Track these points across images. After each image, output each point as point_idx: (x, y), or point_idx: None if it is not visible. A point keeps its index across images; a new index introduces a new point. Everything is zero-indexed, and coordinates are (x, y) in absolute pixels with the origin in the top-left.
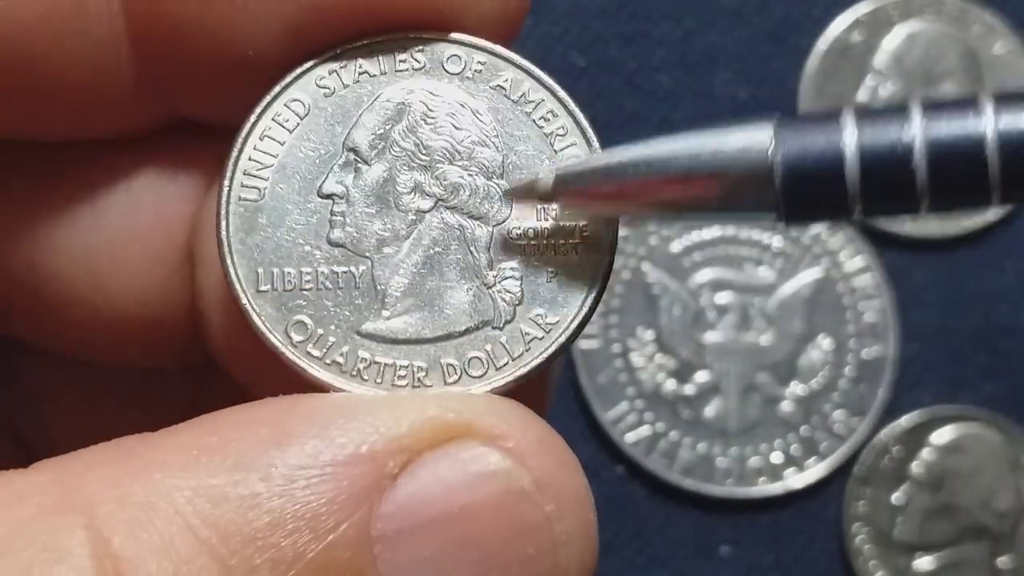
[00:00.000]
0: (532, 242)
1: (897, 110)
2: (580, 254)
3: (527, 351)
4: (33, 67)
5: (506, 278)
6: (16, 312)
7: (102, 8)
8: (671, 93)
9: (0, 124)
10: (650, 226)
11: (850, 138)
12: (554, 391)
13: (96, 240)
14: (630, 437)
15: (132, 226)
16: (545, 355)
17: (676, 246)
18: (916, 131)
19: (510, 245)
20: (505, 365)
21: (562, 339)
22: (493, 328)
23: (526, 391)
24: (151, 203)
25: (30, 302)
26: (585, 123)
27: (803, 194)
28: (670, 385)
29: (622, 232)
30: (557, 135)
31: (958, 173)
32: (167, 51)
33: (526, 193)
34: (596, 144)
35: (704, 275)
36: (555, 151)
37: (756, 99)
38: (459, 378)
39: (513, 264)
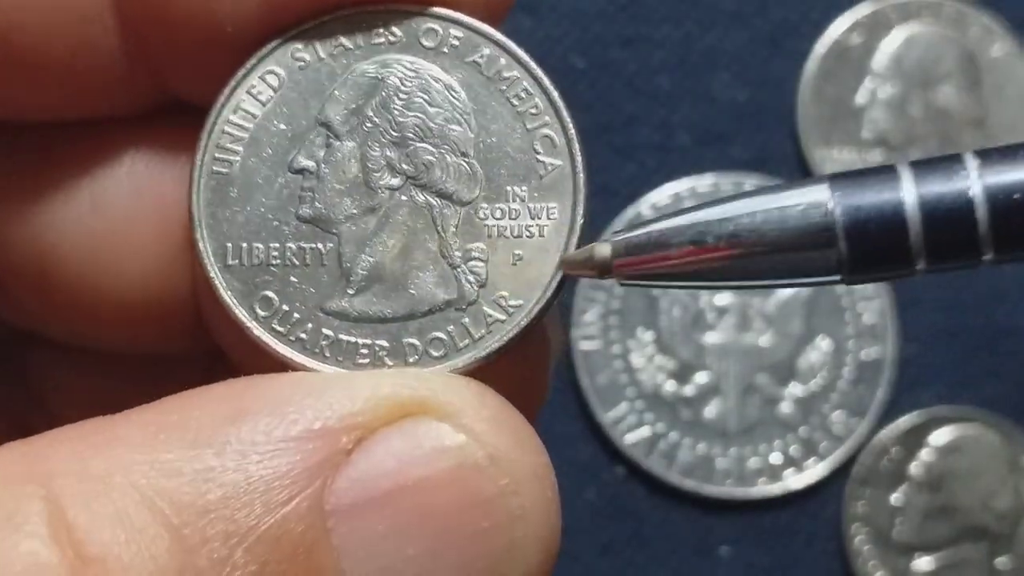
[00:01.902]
0: (500, 223)
1: (951, 159)
2: (547, 237)
3: (488, 333)
4: (23, 40)
5: (472, 259)
6: (23, 300)
7: None
8: (670, 95)
9: None
10: None
11: (909, 191)
12: (551, 380)
13: (99, 223)
14: (630, 438)
15: (134, 209)
16: (506, 338)
17: None
18: (974, 180)
19: (478, 226)
20: (466, 346)
21: (524, 322)
22: (456, 309)
23: (521, 379)
24: (152, 186)
25: (36, 288)
26: (560, 102)
27: (866, 250)
28: (670, 386)
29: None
30: (530, 114)
31: (1021, 220)
32: (150, 21)
33: (581, 264)
34: (570, 125)
35: None
36: (527, 129)
37: (755, 101)
38: (420, 358)
39: (480, 245)
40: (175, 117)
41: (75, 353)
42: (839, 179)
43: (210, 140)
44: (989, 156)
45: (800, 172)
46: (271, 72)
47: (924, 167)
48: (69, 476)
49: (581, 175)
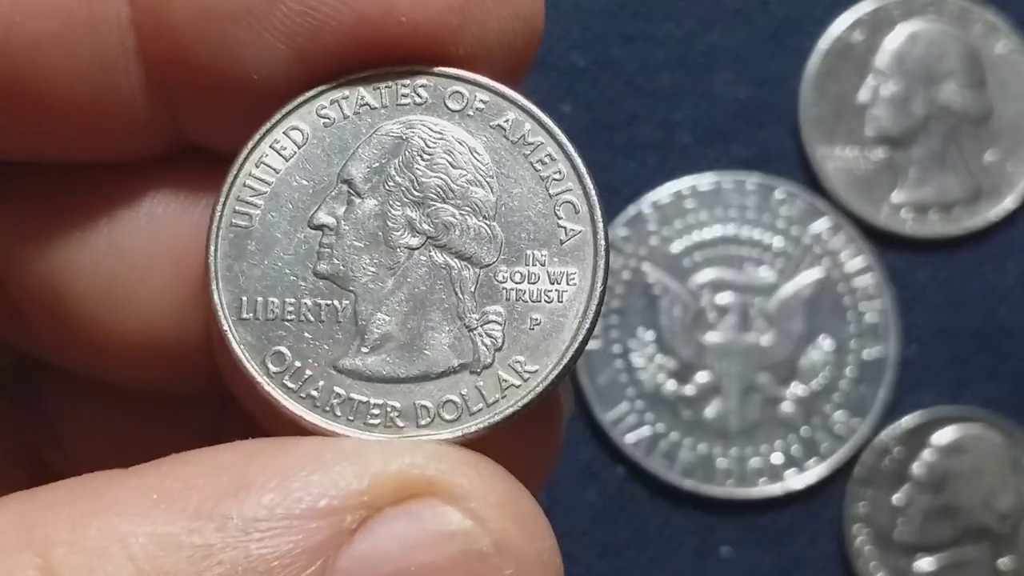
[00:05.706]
0: (518, 287)
1: None
2: (565, 302)
3: (503, 398)
4: (46, 83)
5: (489, 322)
6: (36, 332)
7: (112, 23)
8: (672, 93)
9: (16, 143)
10: (650, 226)
11: None
12: (564, 431)
13: (116, 264)
14: (630, 438)
15: (152, 251)
16: (521, 404)
17: (677, 246)
18: None
19: (496, 288)
20: (479, 411)
21: (539, 388)
22: (471, 372)
23: (533, 443)
24: (171, 229)
25: (49, 323)
26: (583, 168)
27: None
28: (670, 386)
29: (623, 232)
30: (553, 179)
31: None
32: (174, 66)
33: None
34: (593, 191)
35: (704, 275)
36: (550, 195)
37: (757, 99)
38: (432, 421)
39: (497, 308)
40: (197, 161)
41: (90, 385)
42: None
43: (231, 193)
44: None
45: (802, 170)
46: (295, 128)
47: None
48: (65, 546)
49: (602, 242)
